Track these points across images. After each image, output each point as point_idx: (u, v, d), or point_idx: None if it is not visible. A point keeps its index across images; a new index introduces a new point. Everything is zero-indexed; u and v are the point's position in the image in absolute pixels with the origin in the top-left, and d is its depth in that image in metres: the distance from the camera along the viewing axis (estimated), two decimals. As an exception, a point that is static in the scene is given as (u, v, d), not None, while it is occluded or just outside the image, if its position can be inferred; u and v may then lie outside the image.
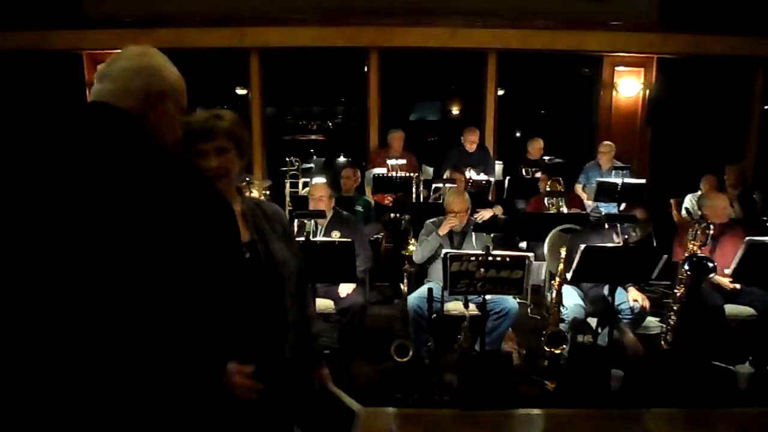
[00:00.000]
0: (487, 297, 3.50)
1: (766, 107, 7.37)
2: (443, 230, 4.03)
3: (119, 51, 1.35)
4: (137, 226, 1.10)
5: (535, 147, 6.74)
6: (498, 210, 5.57)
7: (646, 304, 3.79)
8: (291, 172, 6.62)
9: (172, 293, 1.12)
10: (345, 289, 3.92)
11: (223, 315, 1.18)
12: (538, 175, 6.02)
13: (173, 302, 1.12)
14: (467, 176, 5.87)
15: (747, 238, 3.62)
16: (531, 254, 3.49)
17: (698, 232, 3.85)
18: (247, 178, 5.17)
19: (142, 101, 1.27)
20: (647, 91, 7.30)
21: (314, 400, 1.77)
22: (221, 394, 1.24)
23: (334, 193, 4.40)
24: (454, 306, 3.88)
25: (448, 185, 5.38)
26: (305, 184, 6.43)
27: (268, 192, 5.82)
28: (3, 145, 1.24)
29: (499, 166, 7.27)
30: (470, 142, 6.47)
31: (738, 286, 3.91)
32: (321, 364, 1.82)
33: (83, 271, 1.09)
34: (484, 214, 5.19)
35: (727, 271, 3.79)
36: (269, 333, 1.59)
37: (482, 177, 6.11)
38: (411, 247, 4.11)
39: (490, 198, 6.07)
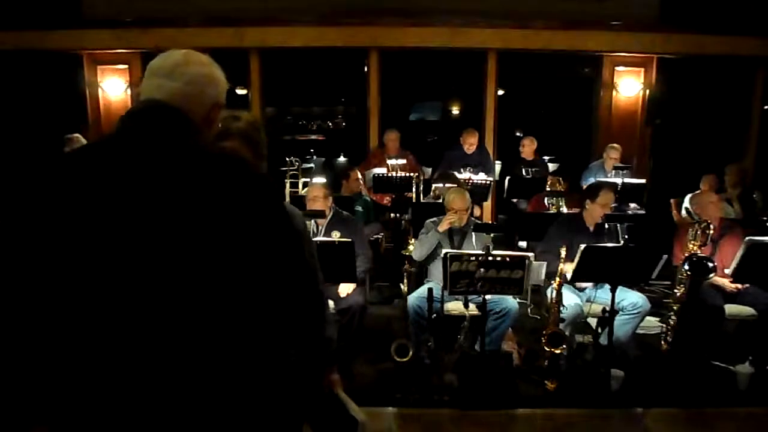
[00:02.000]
0: (487, 297, 3.50)
1: (766, 107, 7.37)
2: (443, 227, 4.03)
3: (177, 51, 1.33)
4: (217, 232, 1.14)
5: (525, 145, 6.78)
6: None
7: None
8: (291, 172, 6.61)
9: (253, 291, 1.16)
10: (345, 289, 3.91)
11: (301, 310, 1.25)
12: (551, 170, 6.03)
13: (254, 300, 1.16)
14: (466, 177, 5.85)
15: (747, 238, 3.62)
16: (531, 254, 3.49)
17: (698, 232, 3.85)
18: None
19: (208, 109, 1.31)
20: (647, 91, 7.29)
21: (321, 404, 1.76)
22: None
23: (330, 193, 4.36)
24: (454, 306, 3.87)
25: (447, 185, 5.39)
26: (305, 184, 6.42)
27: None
28: (91, 153, 1.26)
29: (498, 167, 7.27)
30: (469, 144, 6.44)
31: (740, 286, 3.91)
32: (332, 369, 1.80)
33: (166, 269, 1.12)
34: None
35: (727, 271, 3.79)
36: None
37: (481, 177, 6.11)
38: (411, 247, 4.11)
39: (489, 199, 6.08)
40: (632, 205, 6.03)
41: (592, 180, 6.31)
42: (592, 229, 4.13)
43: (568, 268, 3.64)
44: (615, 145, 6.54)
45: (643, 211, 5.90)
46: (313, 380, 1.73)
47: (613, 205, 5.63)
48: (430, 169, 6.96)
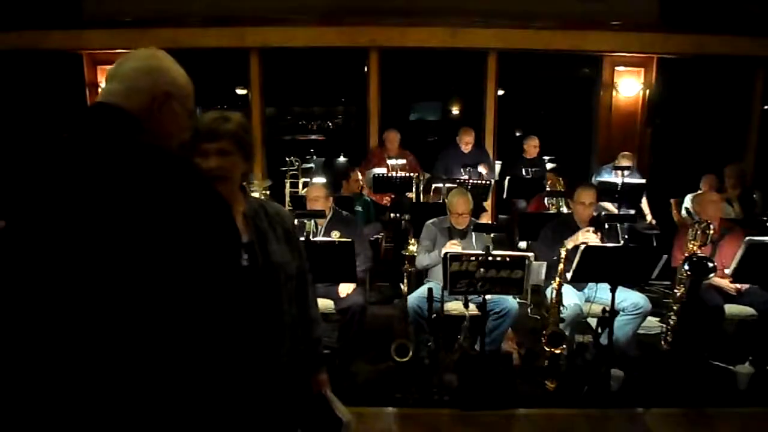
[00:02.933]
0: (487, 297, 3.50)
1: (766, 107, 7.37)
2: (447, 248, 3.95)
3: (127, 52, 1.35)
4: (130, 226, 1.11)
5: (531, 145, 6.73)
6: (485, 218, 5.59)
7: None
8: (291, 172, 6.63)
9: (166, 295, 1.12)
10: (345, 289, 3.91)
11: (219, 317, 1.18)
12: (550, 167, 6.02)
13: (166, 305, 1.12)
14: (465, 177, 5.85)
15: (747, 238, 3.62)
16: (531, 254, 3.49)
17: (698, 232, 3.85)
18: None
19: (148, 101, 1.28)
20: (647, 91, 7.29)
21: (309, 405, 1.76)
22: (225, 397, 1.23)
23: (331, 193, 4.36)
24: (454, 306, 3.87)
25: (447, 185, 5.39)
26: (305, 184, 6.42)
27: (268, 192, 5.82)
28: (7, 150, 1.26)
29: (498, 166, 7.26)
30: (465, 143, 6.42)
31: (743, 286, 3.90)
32: (320, 370, 1.80)
33: (78, 273, 1.10)
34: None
35: (727, 272, 3.79)
36: (264, 335, 1.57)
37: (482, 175, 6.11)
38: (411, 247, 4.10)
39: (489, 200, 6.07)
40: (648, 218, 6.08)
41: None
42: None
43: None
44: (627, 153, 6.48)
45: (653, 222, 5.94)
46: (300, 381, 1.73)
47: (614, 204, 5.69)
48: (428, 175, 6.96)
